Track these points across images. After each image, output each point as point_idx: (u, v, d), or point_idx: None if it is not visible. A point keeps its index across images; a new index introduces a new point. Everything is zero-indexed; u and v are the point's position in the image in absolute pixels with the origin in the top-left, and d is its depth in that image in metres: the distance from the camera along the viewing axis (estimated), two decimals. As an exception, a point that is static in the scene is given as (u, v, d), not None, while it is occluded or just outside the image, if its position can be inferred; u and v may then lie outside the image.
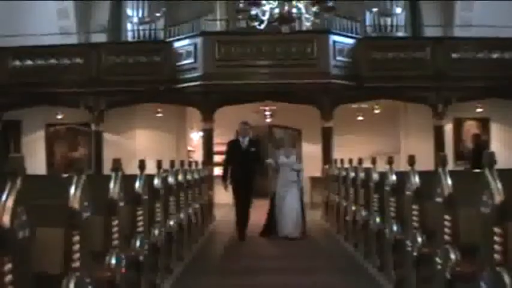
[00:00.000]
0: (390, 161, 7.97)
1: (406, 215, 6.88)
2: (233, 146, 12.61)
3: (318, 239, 12.23)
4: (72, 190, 4.36)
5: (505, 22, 17.71)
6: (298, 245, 11.42)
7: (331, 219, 14.33)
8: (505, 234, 4.34)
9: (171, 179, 9.13)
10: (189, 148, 21.71)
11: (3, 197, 3.19)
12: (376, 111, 20.42)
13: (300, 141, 20.31)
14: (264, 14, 11.48)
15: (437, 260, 5.62)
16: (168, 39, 19.17)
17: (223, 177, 12.61)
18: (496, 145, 19.10)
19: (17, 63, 18.54)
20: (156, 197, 7.65)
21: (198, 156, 19.55)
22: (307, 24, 12.13)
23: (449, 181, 5.50)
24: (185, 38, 18.54)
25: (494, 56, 18.21)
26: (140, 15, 20.28)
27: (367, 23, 20.05)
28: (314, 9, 11.57)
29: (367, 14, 20.07)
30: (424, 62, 18.23)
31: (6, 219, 3.13)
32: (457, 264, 5.21)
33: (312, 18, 11.71)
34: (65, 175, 10.95)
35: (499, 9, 18.64)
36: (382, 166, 8.61)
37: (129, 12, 20.35)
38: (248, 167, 12.32)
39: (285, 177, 12.46)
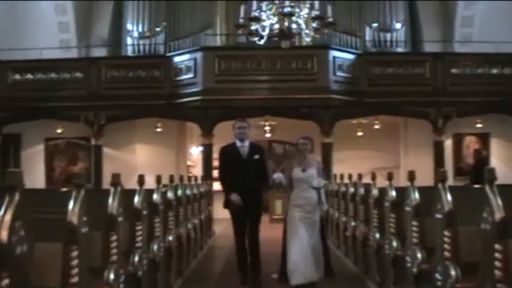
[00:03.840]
0: (390, 177, 7.95)
1: (405, 231, 6.86)
2: (228, 154, 9.00)
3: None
4: (71, 205, 4.34)
5: (504, 38, 17.76)
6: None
7: (331, 234, 14.30)
8: (506, 250, 4.32)
9: (170, 194, 9.10)
10: (189, 163, 21.70)
11: (1, 212, 3.18)
12: (376, 127, 20.41)
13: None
14: (264, 30, 11.47)
15: (437, 276, 5.59)
16: (168, 54, 19.19)
17: (228, 188, 8.90)
18: (496, 160, 19.07)
19: (17, 77, 18.59)
20: (155, 212, 7.62)
21: (197, 171, 19.53)
22: (307, 40, 12.08)
23: (449, 197, 5.48)
24: (185, 53, 18.58)
25: (494, 71, 18.25)
26: (140, 29, 20.33)
27: (367, 38, 20.08)
28: (314, 24, 11.56)
29: (367, 29, 20.11)
30: (424, 77, 18.27)
31: (4, 234, 3.11)
32: (457, 281, 5.17)
33: (312, 33, 11.69)
34: (64, 189, 10.95)
35: (499, 25, 18.71)
36: (381, 182, 8.60)
37: (129, 26, 20.39)
38: (252, 183, 8.73)
39: (301, 198, 8.57)
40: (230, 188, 8.81)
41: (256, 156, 8.88)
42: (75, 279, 4.22)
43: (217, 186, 16.90)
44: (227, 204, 8.84)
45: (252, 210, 8.70)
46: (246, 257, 8.88)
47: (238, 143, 8.92)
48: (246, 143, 8.92)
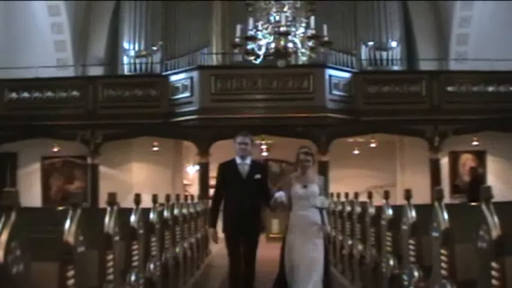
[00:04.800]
0: (386, 195, 7.95)
1: (402, 249, 6.85)
2: (227, 171, 7.87)
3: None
4: (67, 224, 4.33)
5: (500, 55, 17.82)
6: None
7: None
8: (502, 269, 4.31)
9: (166, 213, 9.09)
10: (185, 182, 21.67)
11: (-3, 232, 3.17)
12: (372, 145, 20.43)
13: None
14: (260, 49, 11.51)
15: (435, 295, 5.58)
16: (164, 73, 19.23)
17: (212, 219, 7.93)
18: (492, 178, 19.08)
19: (14, 95, 18.59)
20: (151, 231, 7.61)
21: (194, 190, 19.50)
22: (303, 59, 12.15)
23: (446, 216, 5.48)
24: (181, 72, 18.61)
25: (490, 89, 18.31)
26: (137, 48, 20.36)
27: (363, 57, 20.13)
28: (310, 43, 11.61)
29: (363, 48, 20.17)
30: (420, 95, 18.31)
31: (0, 254, 3.10)
32: (454, 299, 5.17)
33: (308, 52, 11.74)
34: (61, 208, 10.93)
35: (494, 43, 18.77)
36: (378, 200, 8.59)
37: (125, 45, 20.42)
38: (251, 205, 7.64)
39: (301, 218, 7.41)
40: (218, 211, 7.83)
41: (258, 176, 7.72)
42: (71, 299, 4.21)
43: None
44: (213, 222, 7.83)
45: (248, 233, 7.59)
46: (239, 280, 7.69)
47: (238, 160, 7.77)
48: (248, 161, 7.77)
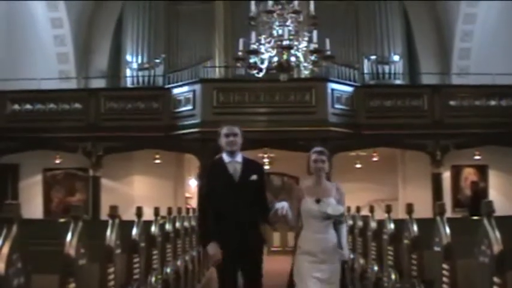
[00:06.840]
0: (388, 210, 7.94)
1: (404, 263, 6.83)
2: (214, 173, 6.16)
3: None
4: (68, 236, 4.33)
5: (501, 70, 17.82)
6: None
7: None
8: (504, 284, 4.30)
9: (168, 226, 9.08)
10: (187, 195, 21.63)
11: (-1, 244, 3.17)
12: (374, 159, 20.39)
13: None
14: (262, 62, 11.53)
15: (436, 309, 5.56)
16: (167, 86, 19.24)
17: (206, 231, 5.97)
18: (494, 192, 19.03)
19: (16, 107, 18.57)
20: (153, 244, 7.60)
21: (195, 203, 19.46)
22: (305, 73, 12.16)
23: (448, 230, 5.47)
24: (184, 85, 18.60)
25: (492, 103, 18.27)
26: (139, 61, 20.39)
27: (365, 70, 20.16)
28: (312, 57, 11.63)
29: (365, 61, 20.21)
30: (422, 109, 18.28)
31: (1, 267, 3.10)
32: (456, 314, 5.15)
33: (311, 66, 11.76)
34: (62, 220, 10.92)
35: (496, 57, 18.80)
36: (380, 214, 8.58)
37: (128, 58, 20.47)
38: (248, 215, 5.79)
39: (314, 242, 5.98)
40: (208, 225, 5.86)
41: (254, 177, 5.94)
42: (72, 312, 4.20)
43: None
44: (205, 240, 5.99)
45: (247, 255, 5.84)
46: None
47: (226, 158, 6.16)
48: (238, 158, 6.12)
